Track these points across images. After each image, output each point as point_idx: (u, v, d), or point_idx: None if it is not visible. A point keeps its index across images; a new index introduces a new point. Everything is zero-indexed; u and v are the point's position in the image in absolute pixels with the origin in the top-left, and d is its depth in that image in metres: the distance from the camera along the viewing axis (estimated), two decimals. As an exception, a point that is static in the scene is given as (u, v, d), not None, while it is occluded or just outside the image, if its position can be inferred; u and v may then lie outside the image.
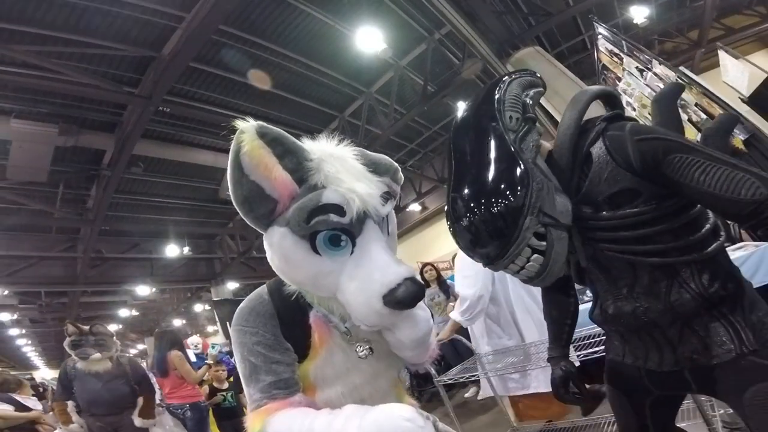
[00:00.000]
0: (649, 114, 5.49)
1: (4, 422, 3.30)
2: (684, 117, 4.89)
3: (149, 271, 12.38)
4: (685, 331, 0.94)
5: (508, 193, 0.85)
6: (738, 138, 4.29)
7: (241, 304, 0.88)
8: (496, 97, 0.93)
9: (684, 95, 4.46)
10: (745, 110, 4.24)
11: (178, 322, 18.01)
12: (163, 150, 8.22)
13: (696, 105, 4.44)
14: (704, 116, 4.40)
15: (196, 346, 5.65)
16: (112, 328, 14.75)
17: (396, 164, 0.97)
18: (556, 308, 1.27)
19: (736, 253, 2.62)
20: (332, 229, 0.76)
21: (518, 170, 0.86)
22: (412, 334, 0.87)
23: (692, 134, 4.99)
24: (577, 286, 1.26)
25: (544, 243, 0.88)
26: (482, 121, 0.93)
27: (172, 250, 11.54)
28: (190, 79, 6.81)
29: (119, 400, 3.31)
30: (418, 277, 0.76)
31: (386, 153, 0.96)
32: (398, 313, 0.77)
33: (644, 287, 0.95)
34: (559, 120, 1.06)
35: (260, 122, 0.75)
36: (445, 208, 0.96)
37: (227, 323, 9.64)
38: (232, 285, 14.22)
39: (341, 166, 0.79)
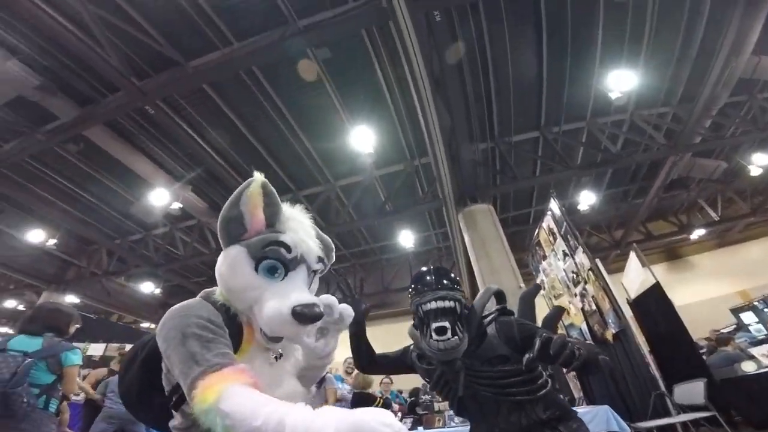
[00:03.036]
0: (553, 295, 6.57)
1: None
2: (579, 305, 5.95)
3: None
4: None
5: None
6: (610, 331, 5.30)
7: (177, 305, 0.97)
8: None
9: (587, 286, 5.54)
10: (626, 309, 5.34)
11: None
12: (112, 143, 7.68)
13: (592, 297, 5.50)
14: (594, 308, 5.43)
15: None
16: None
17: (333, 246, 1.25)
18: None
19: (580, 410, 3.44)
20: (276, 259, 0.99)
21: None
22: (321, 344, 1.16)
23: (579, 320, 6.01)
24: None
25: (461, 336, 1.51)
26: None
27: (36, 236, 9.97)
28: (191, 96, 6.93)
29: None
30: (322, 308, 0.98)
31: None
32: (298, 326, 0.93)
33: (504, 416, 1.53)
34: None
35: (265, 180, 1.02)
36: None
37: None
38: (71, 298, 12.39)
39: (300, 226, 1.09)
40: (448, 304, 1.51)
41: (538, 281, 6.81)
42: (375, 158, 7.74)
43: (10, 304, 14.55)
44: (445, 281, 1.56)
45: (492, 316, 1.65)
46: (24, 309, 14.50)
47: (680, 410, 4.02)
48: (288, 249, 1.00)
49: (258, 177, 1.01)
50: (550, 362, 1.28)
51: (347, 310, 1.15)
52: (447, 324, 1.48)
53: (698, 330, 6.07)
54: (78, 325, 2.88)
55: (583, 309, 5.73)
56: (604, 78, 7.14)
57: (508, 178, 8.26)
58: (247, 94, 6.91)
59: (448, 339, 1.46)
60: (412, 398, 9.18)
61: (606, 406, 3.38)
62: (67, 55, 6.02)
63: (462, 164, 7.09)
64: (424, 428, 4.04)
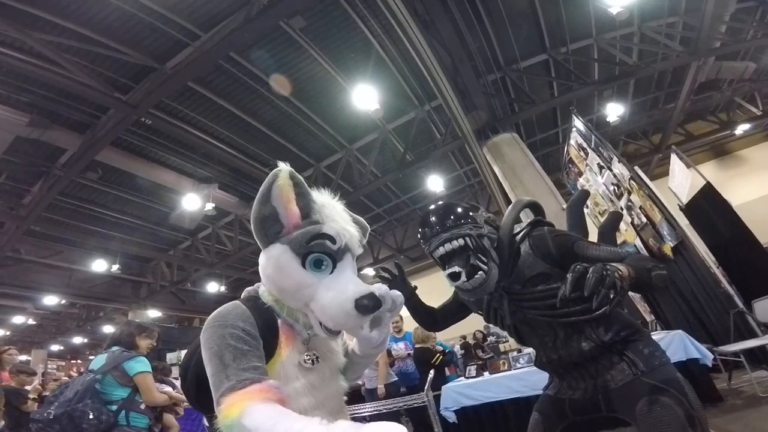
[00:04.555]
0: (598, 212, 6.19)
1: (169, 400, 2.89)
2: (628, 219, 5.55)
3: (65, 282, 11.35)
4: (598, 367, 1.33)
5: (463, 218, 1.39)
6: (668, 244, 4.90)
7: (218, 310, 0.97)
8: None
9: (632, 197, 5.11)
10: (681, 217, 4.90)
11: (77, 340, 16.20)
12: (126, 161, 7.89)
13: (640, 208, 5.08)
14: (645, 220, 5.03)
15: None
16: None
17: (368, 227, 1.23)
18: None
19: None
20: (322, 252, 0.96)
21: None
22: (375, 334, 1.17)
23: (631, 237, 5.63)
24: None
25: (486, 268, 1.34)
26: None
27: (99, 265, 10.68)
28: (181, 97, 6.84)
29: None
30: (378, 294, 0.94)
31: (353, 212, 1.20)
32: (362, 317, 0.93)
33: (562, 340, 1.37)
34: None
35: (291, 169, 0.98)
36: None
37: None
38: (153, 313, 13.41)
39: (336, 213, 1.05)
40: (456, 244, 1.35)
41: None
42: (383, 113, 7.43)
43: (108, 329, 15.91)
44: (448, 221, 1.38)
45: (524, 230, 1.46)
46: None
47: (766, 329, 3.60)
48: (332, 240, 0.98)
49: (284, 167, 0.98)
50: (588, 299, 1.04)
51: (399, 297, 1.10)
52: (457, 268, 1.34)
53: (765, 232, 5.18)
54: (150, 339, 2.89)
55: (632, 223, 5.34)
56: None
57: (525, 105, 7.94)
58: (235, 81, 6.72)
59: (468, 280, 1.33)
60: (473, 342, 9.36)
61: (680, 331, 3.07)
62: (45, 88, 6.03)
63: (474, 98, 6.69)
64: (490, 373, 3.90)
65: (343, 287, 0.94)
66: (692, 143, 12.09)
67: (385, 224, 12.80)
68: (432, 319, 1.81)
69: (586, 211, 6.33)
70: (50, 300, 12.16)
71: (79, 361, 17.23)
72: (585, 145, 5.33)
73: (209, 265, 11.24)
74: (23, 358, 16.17)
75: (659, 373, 1.24)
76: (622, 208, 5.35)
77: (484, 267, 1.34)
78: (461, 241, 1.35)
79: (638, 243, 5.26)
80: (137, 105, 5.99)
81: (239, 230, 10.71)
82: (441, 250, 1.36)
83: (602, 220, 5.92)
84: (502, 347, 7.16)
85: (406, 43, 5.71)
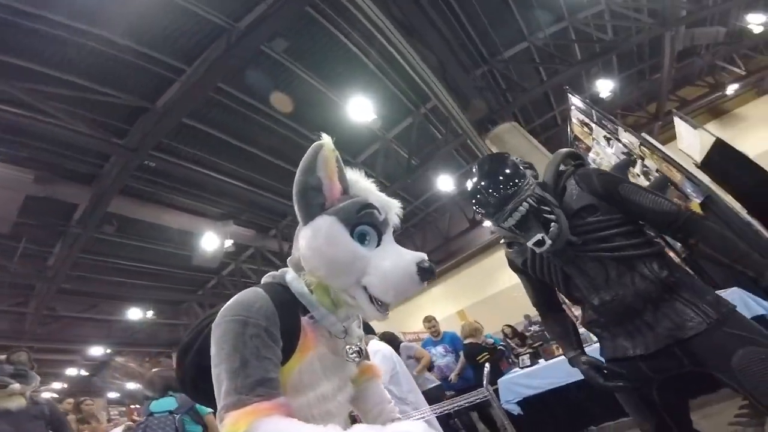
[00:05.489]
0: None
1: None
2: (645, 183, 5.34)
3: (105, 333, 11.58)
4: (657, 314, 1.26)
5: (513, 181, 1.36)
6: (695, 202, 4.66)
7: (236, 297, 0.90)
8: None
9: (647, 162, 4.92)
10: (700, 175, 4.68)
11: (131, 386, 16.65)
12: (138, 209, 7.98)
13: (657, 171, 4.88)
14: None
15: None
16: (56, 386, 13.28)
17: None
18: (558, 325, 1.63)
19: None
20: (370, 223, 0.92)
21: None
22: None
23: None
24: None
25: (554, 217, 1.32)
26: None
27: (134, 314, 10.94)
28: (179, 135, 6.86)
29: None
30: None
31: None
32: (421, 283, 0.89)
33: (614, 279, 1.31)
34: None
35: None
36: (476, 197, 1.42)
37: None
38: None
39: (371, 188, 1.02)
40: (522, 210, 1.32)
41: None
42: (381, 122, 7.43)
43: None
44: (502, 190, 1.34)
45: (568, 169, 1.47)
46: (168, 373, 16.55)
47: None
48: (379, 211, 0.95)
49: (327, 139, 0.94)
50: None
51: None
52: (539, 236, 1.30)
53: None
54: None
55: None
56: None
57: (518, 93, 8.13)
58: (229, 112, 6.76)
59: (547, 241, 1.30)
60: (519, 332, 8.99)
61: (736, 288, 2.82)
62: (43, 141, 6.03)
63: (468, 93, 6.74)
64: (545, 360, 3.62)
65: (400, 254, 0.92)
66: (688, 108, 12.27)
67: (402, 233, 12.68)
68: (546, 308, 1.70)
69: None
70: (96, 351, 12.51)
71: (138, 406, 17.46)
72: (587, 120, 5.20)
73: (239, 301, 11.35)
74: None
75: (738, 323, 1.21)
76: (638, 175, 5.16)
77: (552, 217, 1.32)
78: (525, 205, 1.32)
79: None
80: (136, 148, 6.04)
81: (261, 261, 10.77)
82: (510, 221, 1.34)
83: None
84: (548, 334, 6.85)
85: (390, 49, 5.77)
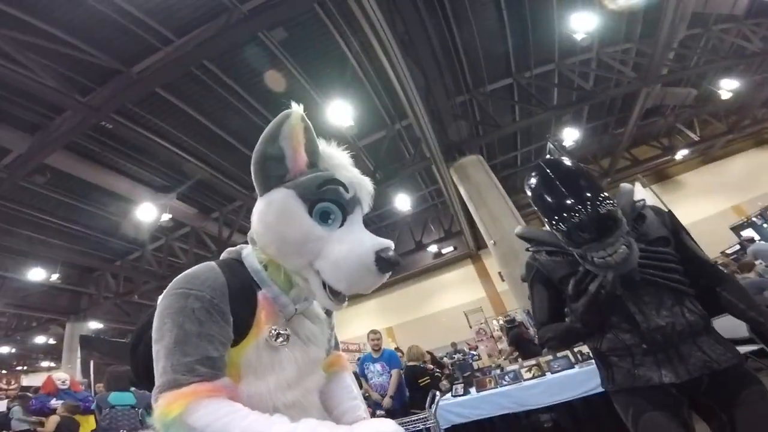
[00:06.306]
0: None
1: None
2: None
3: None
4: (693, 347, 1.35)
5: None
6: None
7: (186, 272, 0.82)
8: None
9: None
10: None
11: (4, 349, 14.81)
12: (78, 165, 7.36)
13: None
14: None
15: (63, 382, 4.60)
16: None
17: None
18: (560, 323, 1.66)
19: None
20: (333, 201, 0.84)
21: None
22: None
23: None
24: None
25: (627, 245, 1.34)
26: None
27: (37, 274, 9.84)
28: (144, 102, 6.51)
29: None
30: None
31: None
32: (380, 275, 0.80)
33: (667, 308, 1.38)
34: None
35: (302, 112, 0.86)
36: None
37: (91, 362, 8.12)
38: (94, 324, 12.64)
39: (345, 165, 0.93)
40: (622, 252, 1.30)
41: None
42: (356, 129, 7.47)
43: (41, 339, 15.00)
44: (606, 223, 1.30)
45: (642, 202, 1.56)
46: (54, 342, 14.89)
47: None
48: (345, 188, 0.86)
49: (296, 108, 0.85)
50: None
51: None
52: (624, 249, 1.32)
53: (706, 251, 5.81)
54: None
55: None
56: (566, 21, 7.25)
57: (490, 128, 8.31)
58: (205, 89, 6.53)
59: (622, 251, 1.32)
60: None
61: None
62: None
63: (443, 120, 6.90)
64: (477, 390, 3.75)
65: (359, 239, 0.81)
66: (639, 167, 13.01)
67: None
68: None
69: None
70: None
71: (3, 371, 15.63)
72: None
73: (160, 278, 10.62)
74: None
75: (745, 365, 1.36)
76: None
77: (629, 243, 1.35)
78: (624, 244, 1.32)
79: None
80: (99, 108, 5.64)
81: (195, 242, 10.26)
82: (617, 258, 1.30)
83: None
84: (475, 365, 7.15)
85: (384, 61, 5.77)
